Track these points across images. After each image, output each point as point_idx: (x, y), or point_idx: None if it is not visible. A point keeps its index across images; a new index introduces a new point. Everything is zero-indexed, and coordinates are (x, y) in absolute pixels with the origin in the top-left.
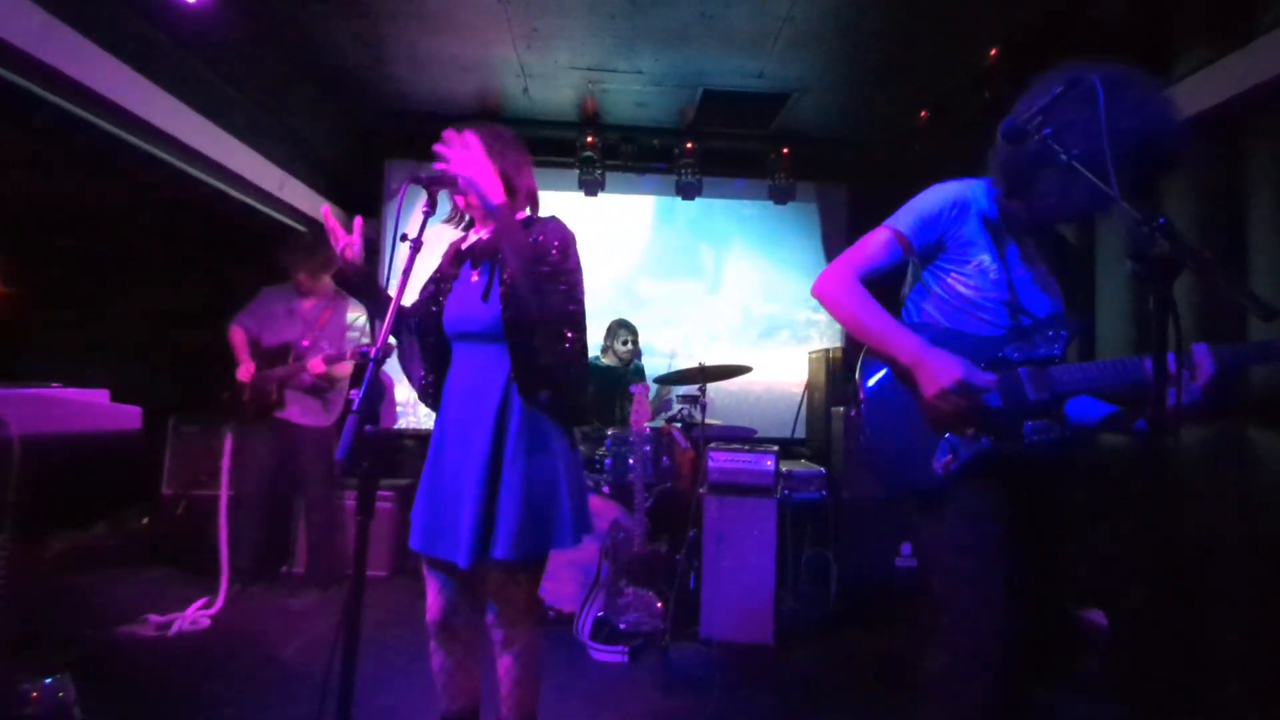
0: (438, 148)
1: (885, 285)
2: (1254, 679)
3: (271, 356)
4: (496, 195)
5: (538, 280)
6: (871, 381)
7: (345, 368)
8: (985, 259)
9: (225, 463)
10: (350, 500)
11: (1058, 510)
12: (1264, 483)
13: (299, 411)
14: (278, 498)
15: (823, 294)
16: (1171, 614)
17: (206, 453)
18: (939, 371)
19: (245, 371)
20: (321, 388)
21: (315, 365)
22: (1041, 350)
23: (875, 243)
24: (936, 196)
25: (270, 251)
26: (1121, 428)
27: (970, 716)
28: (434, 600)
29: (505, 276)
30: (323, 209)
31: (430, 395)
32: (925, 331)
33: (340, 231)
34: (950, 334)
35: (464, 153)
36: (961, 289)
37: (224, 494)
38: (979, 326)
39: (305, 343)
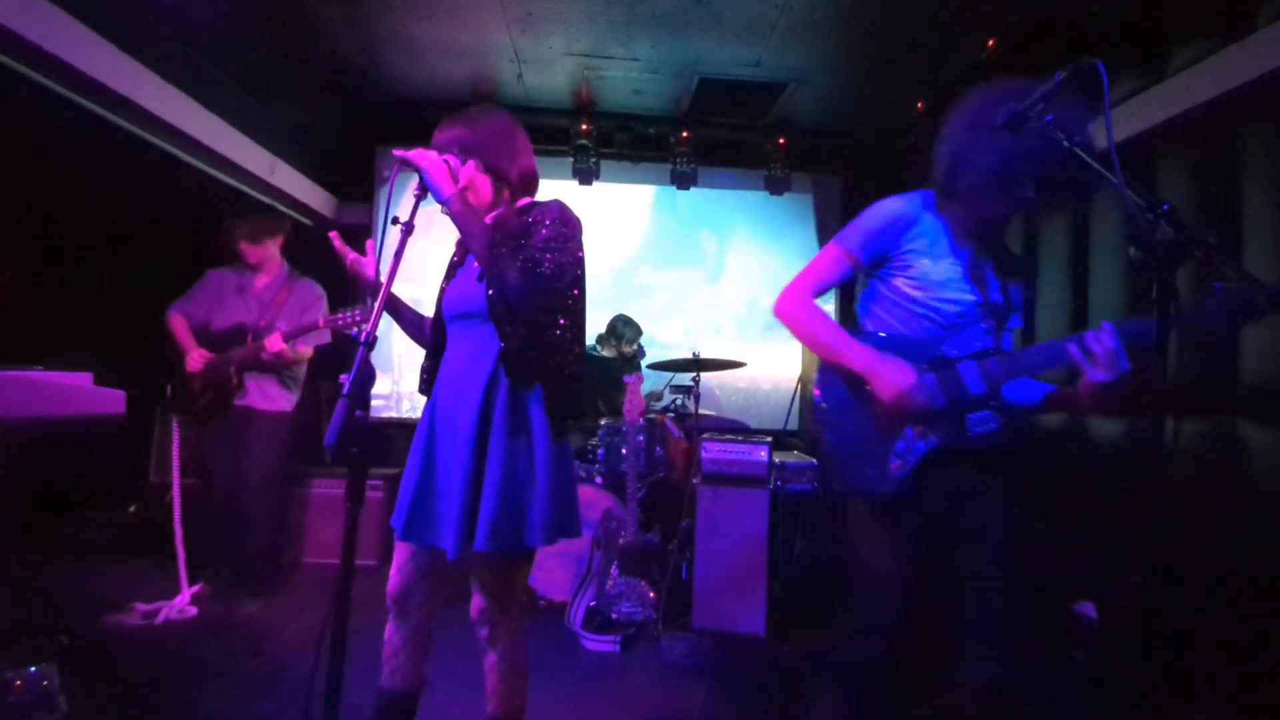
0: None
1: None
2: (1243, 671)
3: (225, 340)
4: (446, 188)
5: (498, 262)
6: (828, 392)
7: (306, 349)
8: (926, 263)
9: (175, 456)
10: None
11: (1010, 495)
12: (1254, 476)
13: (259, 397)
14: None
15: (783, 314)
16: (1161, 606)
17: (195, 441)
18: (895, 377)
19: (195, 360)
20: (279, 368)
21: (273, 343)
22: (978, 344)
23: (827, 261)
24: (880, 212)
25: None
26: (1060, 406)
27: (862, 698)
28: (394, 573)
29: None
30: (331, 234)
31: (424, 379)
32: (871, 339)
33: (350, 251)
34: (895, 339)
35: (419, 150)
36: (907, 290)
37: (176, 489)
38: (923, 327)
39: (262, 323)
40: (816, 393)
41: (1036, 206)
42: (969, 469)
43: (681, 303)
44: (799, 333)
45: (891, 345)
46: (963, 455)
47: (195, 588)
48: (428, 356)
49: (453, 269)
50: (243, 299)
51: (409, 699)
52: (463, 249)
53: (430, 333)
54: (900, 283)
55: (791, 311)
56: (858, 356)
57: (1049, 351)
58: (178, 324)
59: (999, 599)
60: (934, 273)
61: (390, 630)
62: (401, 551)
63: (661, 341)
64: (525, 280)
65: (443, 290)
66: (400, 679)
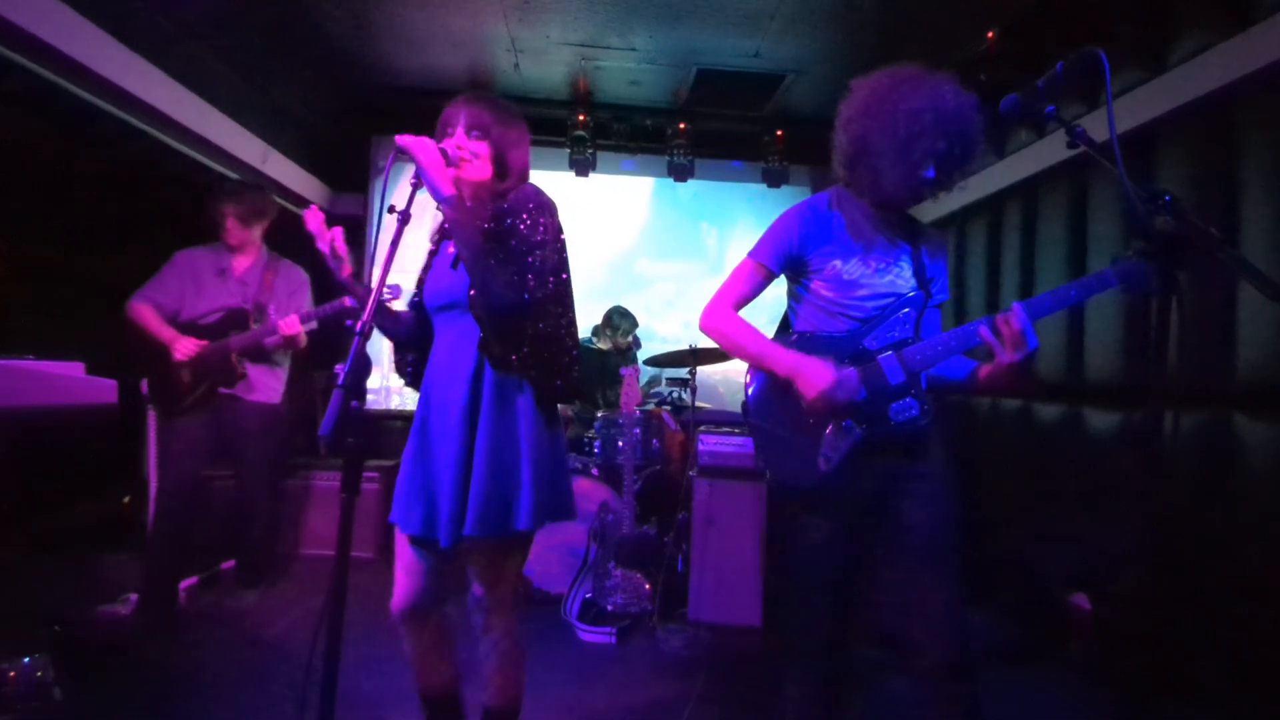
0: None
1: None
2: (1237, 663)
3: (207, 326)
4: (445, 188)
5: (487, 273)
6: (757, 394)
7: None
8: (837, 263)
9: (152, 450)
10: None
11: (937, 477)
12: (1249, 469)
13: (257, 387)
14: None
15: (707, 328)
16: (1156, 598)
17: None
18: (815, 377)
19: (187, 347)
20: (287, 352)
21: (289, 325)
22: (896, 334)
23: (741, 274)
24: (783, 222)
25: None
26: (979, 383)
27: (803, 700)
28: (400, 583)
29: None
30: (304, 212)
31: (409, 372)
32: (796, 339)
33: (325, 233)
34: (819, 337)
35: (421, 140)
36: (824, 291)
37: (153, 484)
38: (842, 324)
39: (253, 306)
40: (748, 390)
41: (936, 186)
42: (894, 456)
43: (681, 295)
44: (723, 343)
45: (815, 343)
46: (888, 444)
47: (189, 580)
48: (413, 348)
49: (430, 259)
50: (224, 281)
51: (448, 695)
52: (439, 239)
53: (415, 325)
54: (817, 285)
55: (713, 324)
56: (781, 359)
57: (963, 335)
58: (147, 313)
59: (938, 580)
60: (846, 272)
61: (409, 643)
62: (403, 559)
63: (661, 335)
64: (510, 292)
65: (421, 280)
66: (427, 677)
